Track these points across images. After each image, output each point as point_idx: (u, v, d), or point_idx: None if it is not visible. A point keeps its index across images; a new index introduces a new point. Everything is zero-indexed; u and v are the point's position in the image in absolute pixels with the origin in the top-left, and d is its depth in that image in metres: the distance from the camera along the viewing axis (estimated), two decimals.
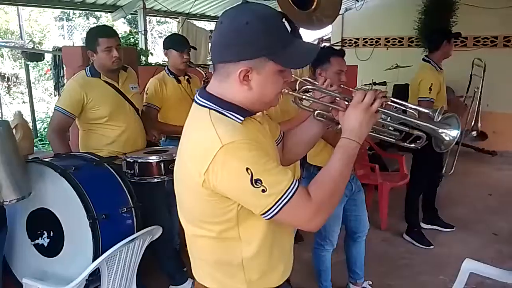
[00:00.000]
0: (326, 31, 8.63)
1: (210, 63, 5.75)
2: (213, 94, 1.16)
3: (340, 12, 7.77)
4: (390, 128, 1.37)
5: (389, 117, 1.31)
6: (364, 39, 8.09)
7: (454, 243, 3.78)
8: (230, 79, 1.13)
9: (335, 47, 2.75)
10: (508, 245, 3.71)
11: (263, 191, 1.05)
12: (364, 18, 7.95)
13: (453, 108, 3.68)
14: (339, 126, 1.26)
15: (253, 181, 1.05)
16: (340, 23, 8.16)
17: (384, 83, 5.83)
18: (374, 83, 5.82)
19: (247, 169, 1.04)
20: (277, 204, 1.07)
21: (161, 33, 12.13)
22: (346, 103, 1.26)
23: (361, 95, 1.20)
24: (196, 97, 1.20)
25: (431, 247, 3.68)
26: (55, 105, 2.69)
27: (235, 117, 1.14)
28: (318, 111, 1.34)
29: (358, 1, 7.84)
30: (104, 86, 2.69)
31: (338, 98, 1.31)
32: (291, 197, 1.07)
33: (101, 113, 2.65)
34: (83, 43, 4.19)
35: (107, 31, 2.68)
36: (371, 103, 1.19)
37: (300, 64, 1.18)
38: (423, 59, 3.69)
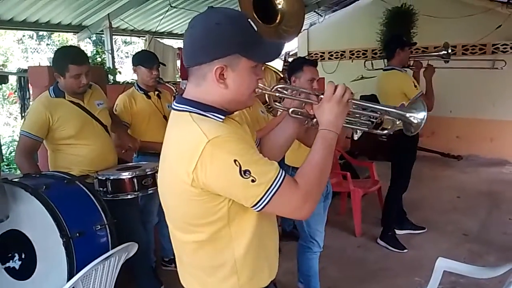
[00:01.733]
0: (292, 46, 8.80)
1: (179, 80, 5.77)
2: (190, 99, 1.19)
3: (305, 27, 7.97)
4: (362, 118, 1.43)
5: (359, 108, 1.39)
6: (329, 52, 8.29)
7: (427, 245, 3.87)
8: (206, 80, 1.16)
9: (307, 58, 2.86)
10: (478, 244, 3.84)
11: (253, 181, 1.07)
12: (329, 32, 8.16)
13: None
14: (315, 120, 1.32)
15: (242, 172, 1.07)
16: (305, 37, 8.35)
17: None
18: (362, 77, 5.98)
19: (235, 161, 1.07)
20: (267, 194, 1.09)
21: (127, 53, 12.06)
22: (319, 97, 1.31)
23: (332, 88, 1.26)
24: (174, 104, 1.22)
25: (405, 250, 3.75)
26: (21, 129, 2.62)
27: (216, 116, 1.17)
28: (293, 108, 1.38)
29: (321, 16, 8.04)
30: (69, 105, 2.64)
31: (310, 94, 1.36)
32: (280, 185, 1.10)
33: (68, 132, 2.60)
34: (50, 63, 4.14)
35: (78, 58, 2.59)
36: (342, 95, 1.25)
37: (271, 57, 1.23)
38: (385, 69, 3.83)
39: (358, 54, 7.98)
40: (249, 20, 1.16)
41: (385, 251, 3.81)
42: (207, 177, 1.08)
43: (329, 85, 1.27)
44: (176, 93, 3.37)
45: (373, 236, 4.04)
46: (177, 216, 1.22)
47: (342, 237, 4.09)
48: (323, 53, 8.34)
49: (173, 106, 1.22)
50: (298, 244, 2.84)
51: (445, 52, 3.96)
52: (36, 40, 11.91)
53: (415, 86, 3.61)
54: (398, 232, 3.99)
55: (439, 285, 2.21)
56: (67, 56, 2.60)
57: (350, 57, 8.06)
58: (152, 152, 3.17)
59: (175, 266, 3.78)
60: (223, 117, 1.18)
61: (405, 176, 3.89)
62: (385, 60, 3.99)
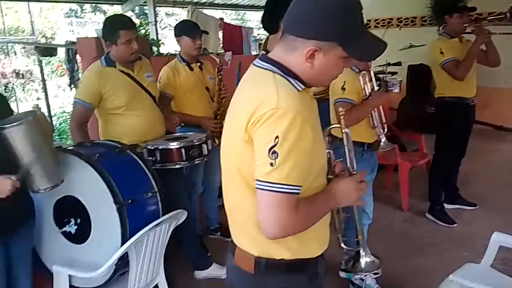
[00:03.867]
0: None
1: (220, 51, 5.73)
2: (276, 60, 1.18)
3: None
4: None
5: None
6: (375, 20, 7.97)
7: (477, 220, 3.74)
8: (296, 53, 1.15)
9: None
10: None
11: (271, 164, 1.06)
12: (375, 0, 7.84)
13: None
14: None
15: (271, 149, 1.06)
16: None
17: (399, 64, 5.74)
18: (389, 64, 5.72)
19: (276, 137, 1.05)
20: (269, 185, 1.07)
21: (169, 24, 12.12)
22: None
23: (361, 176, 1.31)
24: (257, 61, 1.22)
25: (454, 225, 3.64)
26: (74, 97, 2.69)
27: (297, 84, 1.16)
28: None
29: None
30: (120, 75, 2.68)
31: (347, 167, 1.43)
32: (284, 193, 1.07)
33: (119, 102, 2.64)
34: (97, 34, 4.19)
35: (127, 23, 2.64)
36: (361, 189, 1.28)
37: (365, 58, 1.25)
38: (440, 34, 3.65)
39: (406, 21, 7.64)
40: (361, 11, 1.14)
41: (433, 225, 3.71)
42: (255, 137, 1.10)
43: (363, 172, 1.35)
44: (220, 65, 3.34)
45: (420, 210, 3.94)
46: (234, 171, 1.21)
47: (388, 211, 4.01)
48: (369, 21, 8.02)
49: (255, 63, 1.22)
50: (346, 216, 2.81)
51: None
52: (81, 13, 12.18)
53: (441, 53, 3.45)
54: (447, 206, 3.87)
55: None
56: (117, 23, 2.63)
57: (398, 25, 7.73)
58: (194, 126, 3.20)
59: (221, 235, 3.91)
60: (303, 86, 1.18)
61: (449, 149, 3.73)
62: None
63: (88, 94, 2.61)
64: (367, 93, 2.58)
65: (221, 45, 6.37)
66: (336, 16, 1.10)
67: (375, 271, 2.21)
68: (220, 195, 3.85)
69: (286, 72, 1.16)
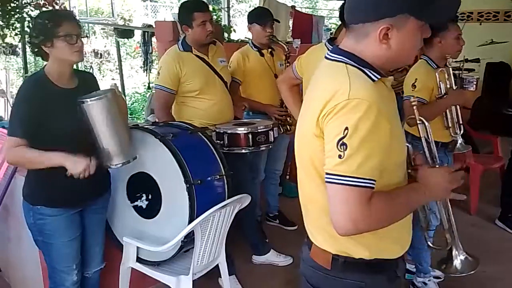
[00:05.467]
0: None
1: (290, 39, 5.69)
2: (348, 51, 1.15)
3: None
4: None
5: None
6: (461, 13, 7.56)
7: None
8: (368, 38, 1.11)
9: None
10: None
11: (340, 156, 1.03)
12: None
13: None
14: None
15: (340, 140, 1.03)
16: None
17: (477, 60, 5.42)
18: (466, 60, 5.43)
19: (346, 128, 1.02)
20: (337, 178, 1.04)
21: (240, 11, 12.21)
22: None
23: (451, 168, 1.22)
24: (328, 54, 1.19)
25: None
26: (156, 84, 2.79)
27: (372, 74, 1.12)
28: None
29: None
30: (195, 60, 2.76)
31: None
32: (352, 185, 1.03)
33: (194, 86, 2.73)
34: (174, 18, 4.33)
35: (201, 5, 2.72)
36: (455, 180, 1.20)
37: (443, 17, 1.14)
38: None
39: (488, 16, 7.17)
40: None
41: (502, 232, 3.52)
42: (325, 129, 1.07)
43: (459, 162, 1.22)
44: (288, 52, 3.34)
45: (489, 216, 3.74)
46: (308, 164, 1.18)
47: (455, 214, 3.77)
48: None
49: (326, 56, 1.20)
50: (431, 213, 2.73)
51: None
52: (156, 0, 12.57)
53: None
54: None
55: None
56: (191, 6, 2.73)
57: (478, 19, 7.28)
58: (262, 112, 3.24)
59: (279, 222, 3.93)
60: (379, 76, 1.12)
61: None
62: None
63: (169, 80, 2.70)
64: (443, 91, 2.47)
65: (291, 33, 6.33)
66: None
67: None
68: (281, 183, 3.91)
69: (360, 62, 1.12)
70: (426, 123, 1.45)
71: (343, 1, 2.40)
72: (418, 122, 1.45)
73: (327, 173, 1.06)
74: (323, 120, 1.08)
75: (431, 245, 1.61)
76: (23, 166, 1.97)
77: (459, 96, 2.50)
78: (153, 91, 3.23)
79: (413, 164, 1.28)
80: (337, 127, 1.04)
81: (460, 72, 4.82)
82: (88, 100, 1.86)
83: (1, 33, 4.19)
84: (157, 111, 2.77)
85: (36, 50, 1.93)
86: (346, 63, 1.13)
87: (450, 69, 2.51)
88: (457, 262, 1.57)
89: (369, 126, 1.02)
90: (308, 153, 1.17)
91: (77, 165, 1.84)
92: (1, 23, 4.13)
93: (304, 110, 1.22)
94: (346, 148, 1.02)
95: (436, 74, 2.45)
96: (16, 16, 4.18)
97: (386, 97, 1.15)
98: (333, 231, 1.11)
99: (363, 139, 1.02)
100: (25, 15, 4.21)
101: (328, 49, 2.06)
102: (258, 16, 3.29)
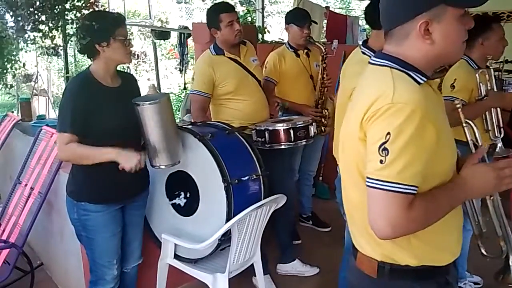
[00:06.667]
0: None
1: (323, 40, 5.67)
2: (392, 55, 1.14)
3: None
4: None
5: None
6: (494, 13, 7.29)
7: None
8: (409, 38, 1.10)
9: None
10: None
11: (381, 161, 1.02)
12: None
13: None
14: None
15: (382, 145, 1.02)
16: None
17: None
18: (506, 61, 5.28)
19: (388, 133, 1.01)
20: (377, 183, 1.03)
21: (272, 12, 12.24)
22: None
23: (503, 164, 1.16)
24: (372, 59, 1.19)
25: None
26: (192, 90, 2.85)
27: (418, 76, 1.10)
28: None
29: None
30: (228, 62, 2.80)
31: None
32: (392, 191, 1.01)
33: (228, 88, 2.77)
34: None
35: (227, 7, 2.81)
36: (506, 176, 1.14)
37: (478, 1, 1.11)
38: None
39: None
40: None
41: None
42: (368, 133, 1.07)
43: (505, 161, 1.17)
44: (325, 53, 3.33)
45: None
46: (353, 168, 1.17)
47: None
48: (485, 13, 7.42)
49: (370, 61, 1.20)
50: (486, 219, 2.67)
51: None
52: (190, 0, 12.75)
53: None
54: None
55: None
56: (217, 8, 2.81)
57: None
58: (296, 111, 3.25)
59: (312, 223, 3.89)
60: (424, 79, 1.11)
61: None
62: None
63: (203, 84, 2.75)
64: (483, 93, 2.41)
65: (324, 34, 6.31)
66: None
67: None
68: (314, 184, 3.91)
69: (404, 65, 1.11)
70: (474, 126, 1.40)
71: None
72: (464, 124, 1.40)
73: (368, 177, 1.06)
74: (366, 123, 1.08)
75: (485, 253, 1.52)
76: (74, 161, 2.03)
77: (499, 99, 2.44)
78: (188, 92, 3.30)
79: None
80: (379, 131, 1.03)
81: (500, 73, 4.68)
82: (143, 103, 1.94)
83: (50, 34, 4.38)
84: (194, 116, 2.83)
85: (86, 49, 1.98)
86: (390, 67, 1.12)
87: (492, 70, 2.45)
88: None
89: (412, 131, 1.01)
90: (352, 157, 1.17)
91: (130, 160, 1.91)
92: (50, 25, 4.32)
93: (349, 113, 1.22)
94: (387, 154, 1.01)
95: (477, 75, 2.40)
96: (64, 18, 4.36)
97: (433, 100, 1.12)
98: (386, 245, 1.11)
99: (405, 144, 1.01)
100: (68, 17, 4.38)
101: (362, 52, 2.05)
102: (296, 17, 3.30)
